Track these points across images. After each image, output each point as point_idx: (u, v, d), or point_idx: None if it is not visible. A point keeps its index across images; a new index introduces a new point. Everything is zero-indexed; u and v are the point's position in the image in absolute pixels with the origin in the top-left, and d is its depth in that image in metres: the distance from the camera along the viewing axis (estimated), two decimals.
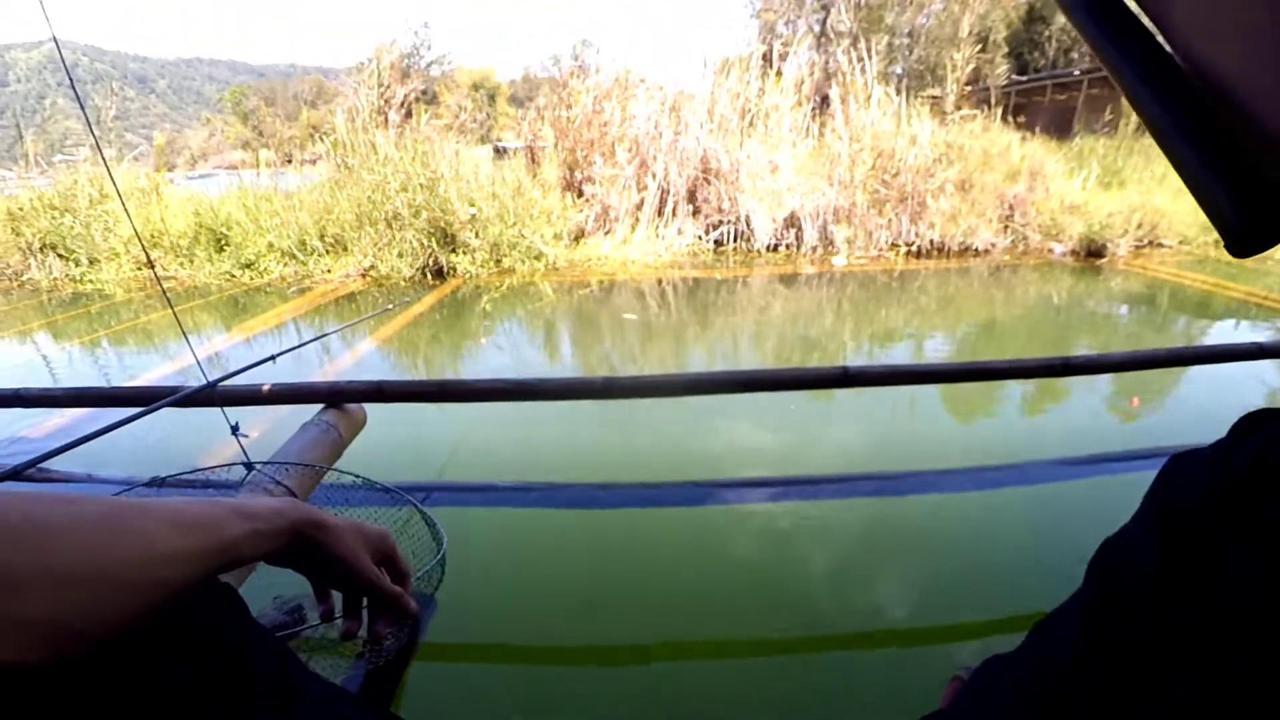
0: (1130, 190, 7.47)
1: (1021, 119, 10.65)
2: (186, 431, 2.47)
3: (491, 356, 3.98)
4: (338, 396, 1.79)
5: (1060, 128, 12.48)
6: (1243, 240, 0.28)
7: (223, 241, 6.81)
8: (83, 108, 1.34)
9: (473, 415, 2.65)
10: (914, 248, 7.00)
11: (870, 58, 7.87)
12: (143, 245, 3.67)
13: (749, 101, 7.97)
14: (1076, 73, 16.47)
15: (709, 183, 7.32)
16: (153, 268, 6.75)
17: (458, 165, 7.04)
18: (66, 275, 6.76)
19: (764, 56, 8.40)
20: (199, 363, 1.67)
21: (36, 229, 6.87)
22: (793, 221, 7.17)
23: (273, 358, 1.69)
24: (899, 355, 3.94)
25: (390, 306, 4.92)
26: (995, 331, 4.36)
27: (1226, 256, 6.54)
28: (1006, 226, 7.09)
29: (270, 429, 2.53)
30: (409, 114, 8.70)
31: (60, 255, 6.85)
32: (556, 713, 1.20)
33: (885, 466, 2.22)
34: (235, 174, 8.95)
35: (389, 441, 2.32)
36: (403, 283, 6.08)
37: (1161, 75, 0.29)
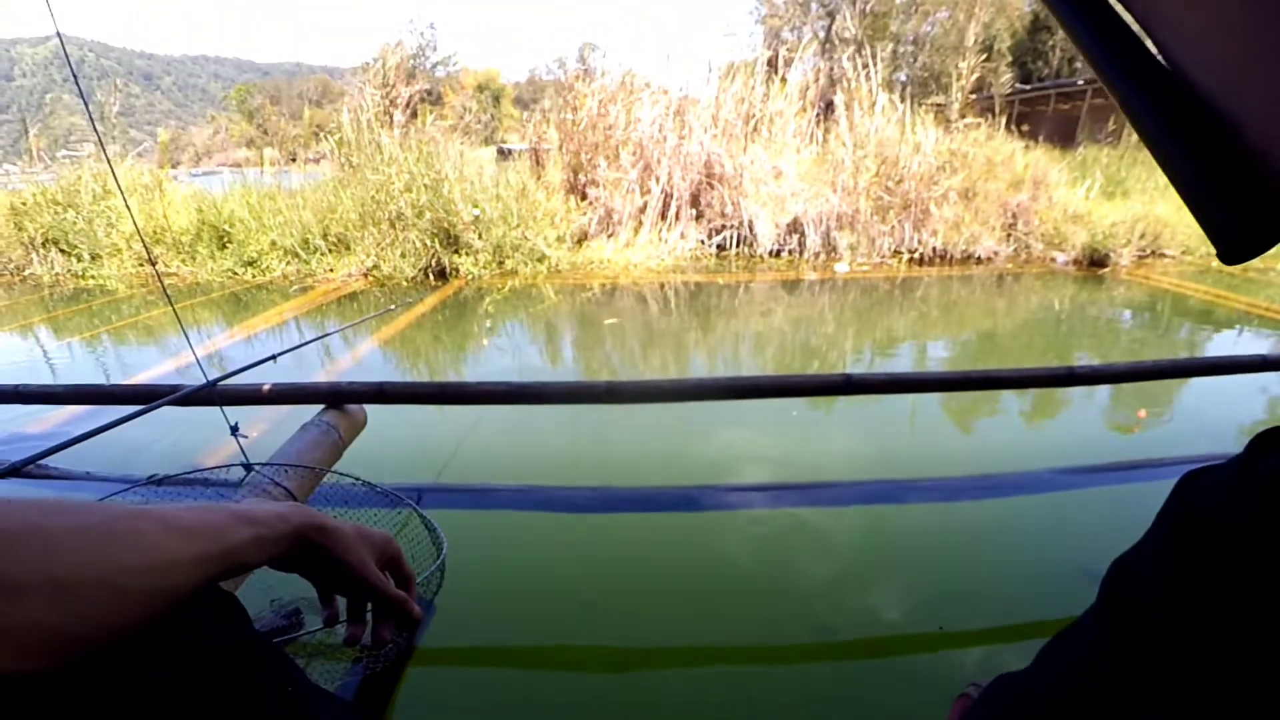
0: (1133, 200, 7.47)
1: (1025, 128, 10.66)
2: (186, 429, 2.47)
3: (493, 358, 3.97)
4: (338, 397, 1.79)
5: (1064, 137, 12.50)
6: (1234, 247, 0.28)
7: (225, 239, 6.82)
8: (86, 104, 1.34)
9: (474, 417, 2.64)
10: (917, 255, 7.00)
11: (875, 65, 7.88)
12: (144, 242, 3.66)
13: (753, 107, 7.98)
14: (1080, 82, 16.50)
15: (712, 187, 7.32)
16: (154, 264, 6.75)
17: (462, 166, 7.05)
18: (68, 270, 6.77)
19: (769, 62, 8.41)
20: (199, 361, 1.67)
21: (39, 224, 6.88)
22: (796, 227, 7.17)
23: (273, 357, 1.69)
24: (901, 362, 3.94)
25: (393, 307, 4.92)
26: (998, 340, 4.36)
27: (1228, 267, 6.54)
28: (1009, 235, 7.09)
29: (270, 428, 2.53)
30: (414, 114, 8.73)
31: (62, 250, 6.86)
32: (553, 717, 1.20)
33: (886, 473, 2.22)
34: (239, 172, 8.97)
35: (389, 442, 2.32)
36: (405, 283, 6.08)
37: (1154, 85, 0.29)
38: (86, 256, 6.79)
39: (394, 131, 7.61)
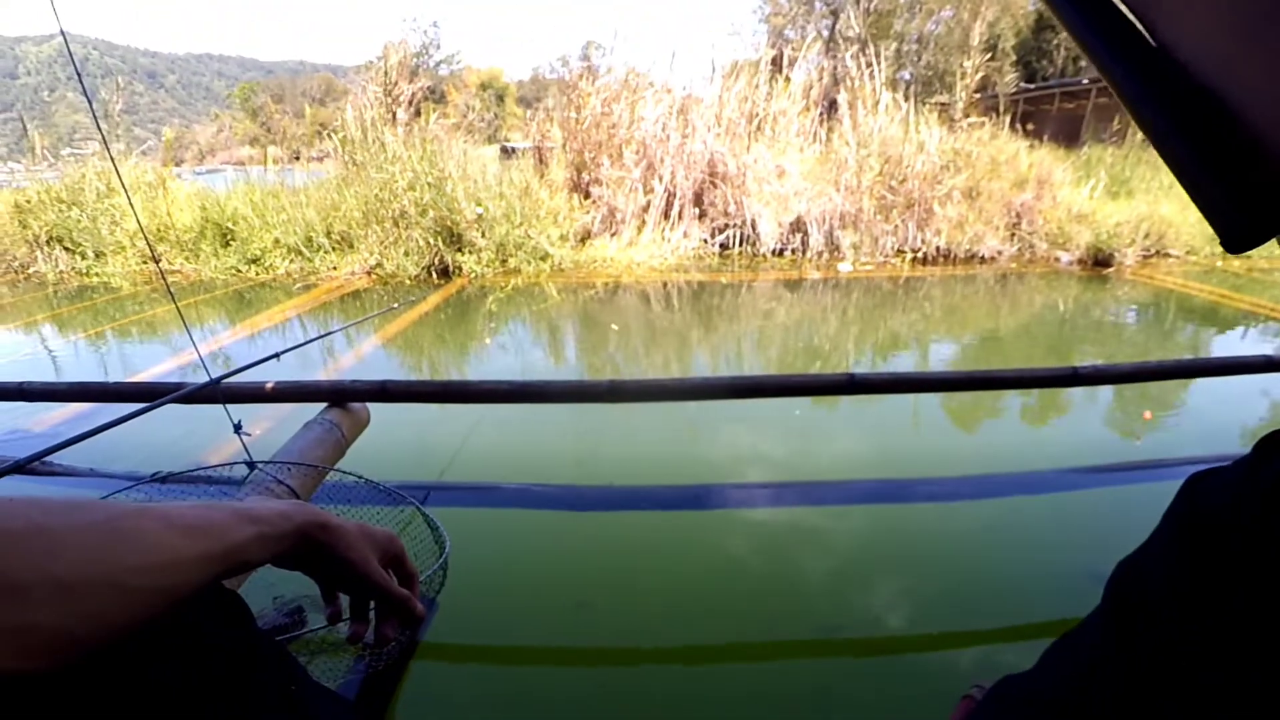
0: (1138, 200, 7.44)
1: (1030, 127, 10.62)
2: (190, 427, 2.47)
3: (496, 357, 3.97)
4: (341, 395, 1.79)
5: (1068, 136, 12.46)
6: (1237, 235, 0.28)
7: (229, 237, 6.83)
8: (90, 102, 1.34)
9: (476, 415, 2.65)
10: (920, 254, 6.98)
11: (879, 63, 7.87)
12: (147, 240, 3.68)
13: (757, 106, 7.96)
14: (1085, 81, 16.44)
15: (715, 186, 7.32)
16: (157, 263, 6.77)
17: (465, 165, 7.05)
18: (72, 268, 6.79)
19: (773, 61, 8.39)
20: (202, 360, 1.67)
21: (44, 222, 6.90)
22: (799, 226, 7.16)
23: (277, 355, 1.69)
24: (904, 362, 3.93)
25: (395, 305, 4.92)
26: (1001, 340, 4.35)
27: (1233, 267, 6.52)
28: (1013, 234, 7.06)
29: (274, 426, 2.53)
30: (417, 113, 8.73)
31: (67, 248, 6.88)
32: (555, 715, 1.20)
33: (889, 472, 2.21)
34: (243, 170, 8.98)
35: (392, 441, 2.32)
36: (408, 281, 6.09)
37: (1150, 71, 0.29)
38: (91, 254, 6.80)
39: (397, 130, 7.61)
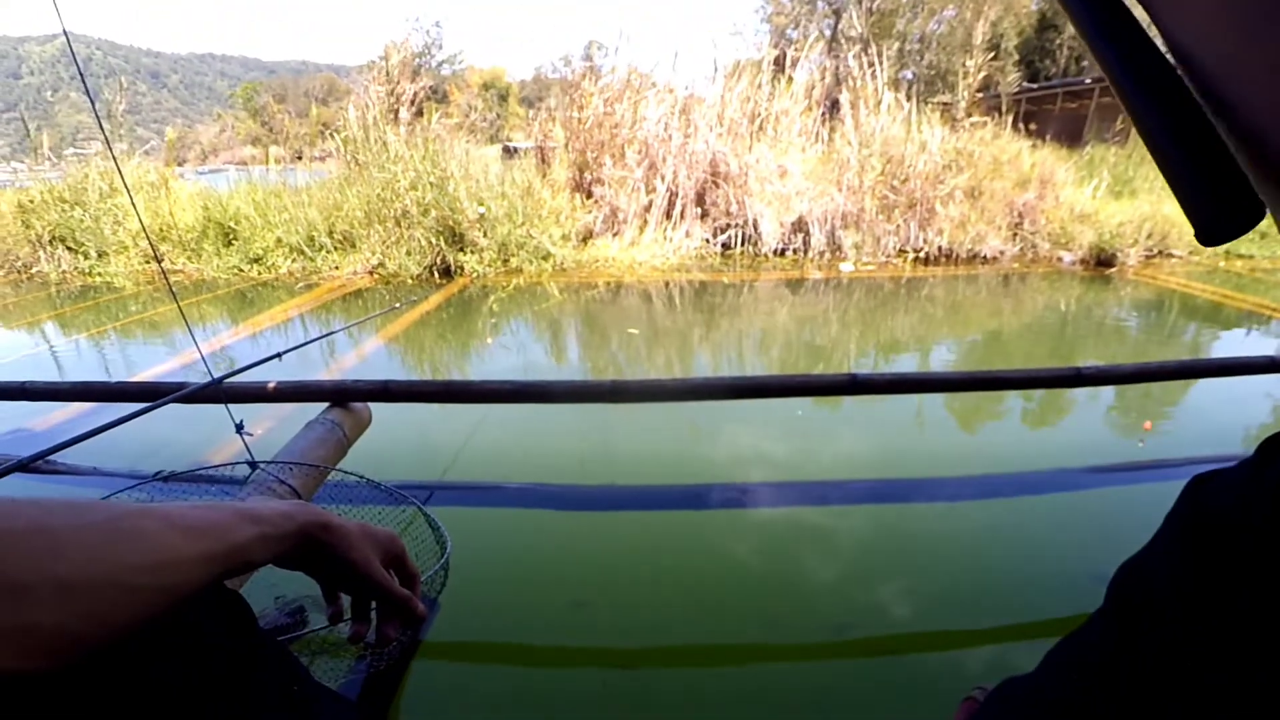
0: (1140, 199, 7.43)
1: (1032, 126, 10.61)
2: (192, 426, 2.47)
3: (498, 356, 3.97)
4: (343, 395, 1.79)
5: (1071, 136, 12.44)
6: (1211, 229, 0.29)
7: (231, 236, 6.84)
8: (93, 103, 1.34)
9: (478, 415, 2.65)
10: (922, 254, 6.97)
11: (881, 63, 7.86)
12: (150, 240, 3.68)
13: (759, 105, 7.96)
14: (1088, 81, 16.41)
15: (717, 186, 7.31)
16: (160, 263, 6.78)
17: (467, 164, 7.05)
18: (75, 268, 6.80)
19: (775, 61, 8.39)
20: (204, 359, 1.67)
21: (46, 222, 6.91)
22: (800, 226, 7.15)
23: (279, 355, 1.69)
24: (906, 362, 3.93)
25: (397, 305, 4.93)
26: (1004, 340, 4.34)
27: (1236, 267, 6.51)
28: (1016, 234, 7.05)
29: (275, 425, 2.54)
30: (420, 112, 8.74)
31: (69, 248, 6.89)
32: (558, 715, 1.20)
33: (892, 473, 2.21)
34: (245, 170, 8.99)
35: (394, 440, 2.32)
36: (410, 281, 6.09)
37: (1145, 65, 0.29)
38: (93, 254, 6.81)
39: (400, 129, 7.62)
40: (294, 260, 6.60)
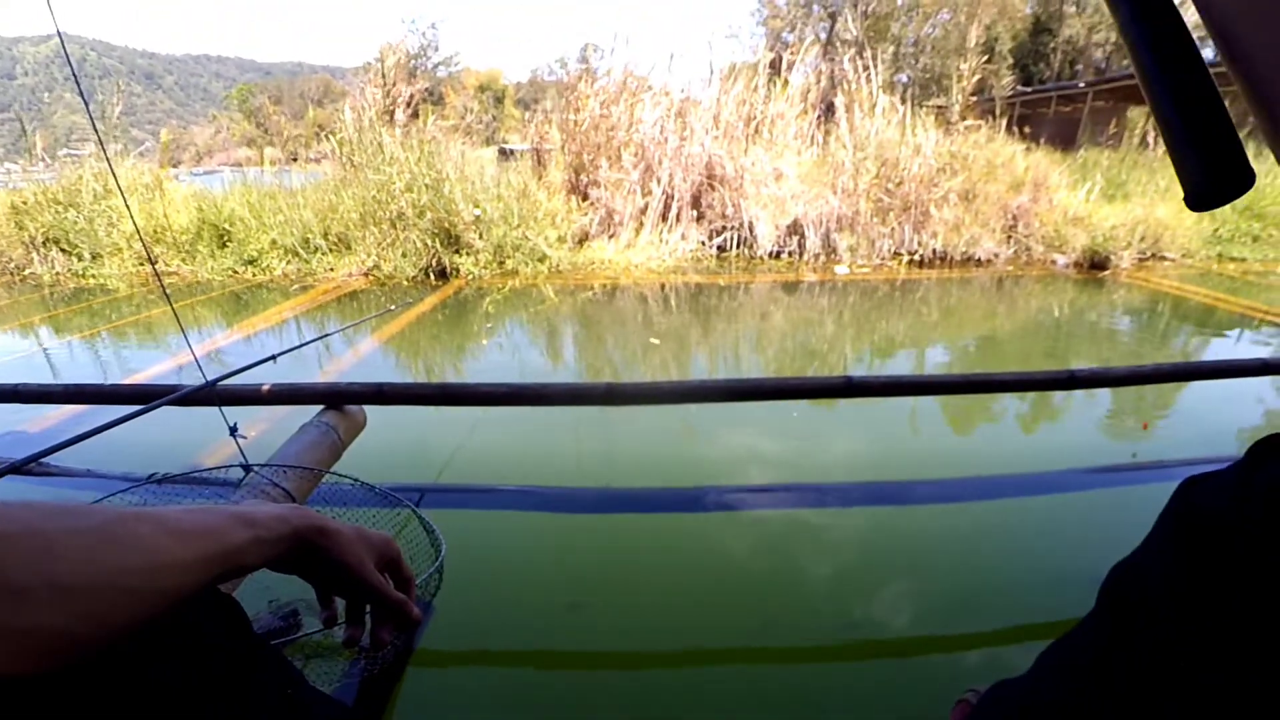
0: (1134, 203, 7.47)
1: (1026, 130, 10.67)
2: (186, 428, 2.46)
3: (493, 358, 3.97)
4: (338, 398, 1.79)
5: (1064, 139, 12.51)
6: (1202, 193, 0.29)
7: (226, 238, 6.82)
8: (87, 104, 1.34)
9: (473, 417, 2.64)
10: (917, 257, 7.00)
11: (876, 67, 7.89)
12: (144, 242, 3.66)
13: (754, 108, 7.98)
14: (1081, 85, 16.52)
15: (713, 189, 7.33)
16: (154, 264, 6.75)
17: (463, 166, 7.05)
18: (69, 270, 6.77)
19: (771, 64, 8.41)
20: (197, 361, 1.66)
21: (40, 223, 6.88)
22: (796, 229, 7.17)
23: (273, 357, 1.69)
24: (901, 364, 3.94)
25: (393, 307, 4.92)
26: (998, 342, 4.36)
27: (1229, 270, 6.55)
28: (1010, 237, 7.09)
29: (270, 428, 2.53)
30: (415, 114, 8.73)
31: (63, 250, 6.86)
32: (554, 718, 1.19)
33: (887, 474, 2.22)
34: (240, 171, 8.97)
35: (388, 443, 2.32)
36: (405, 282, 6.08)
37: (1157, 23, 0.30)
38: (87, 255, 6.78)
39: (395, 131, 7.61)
40: (289, 262, 6.59)
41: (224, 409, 1.46)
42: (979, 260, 6.92)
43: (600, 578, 1.62)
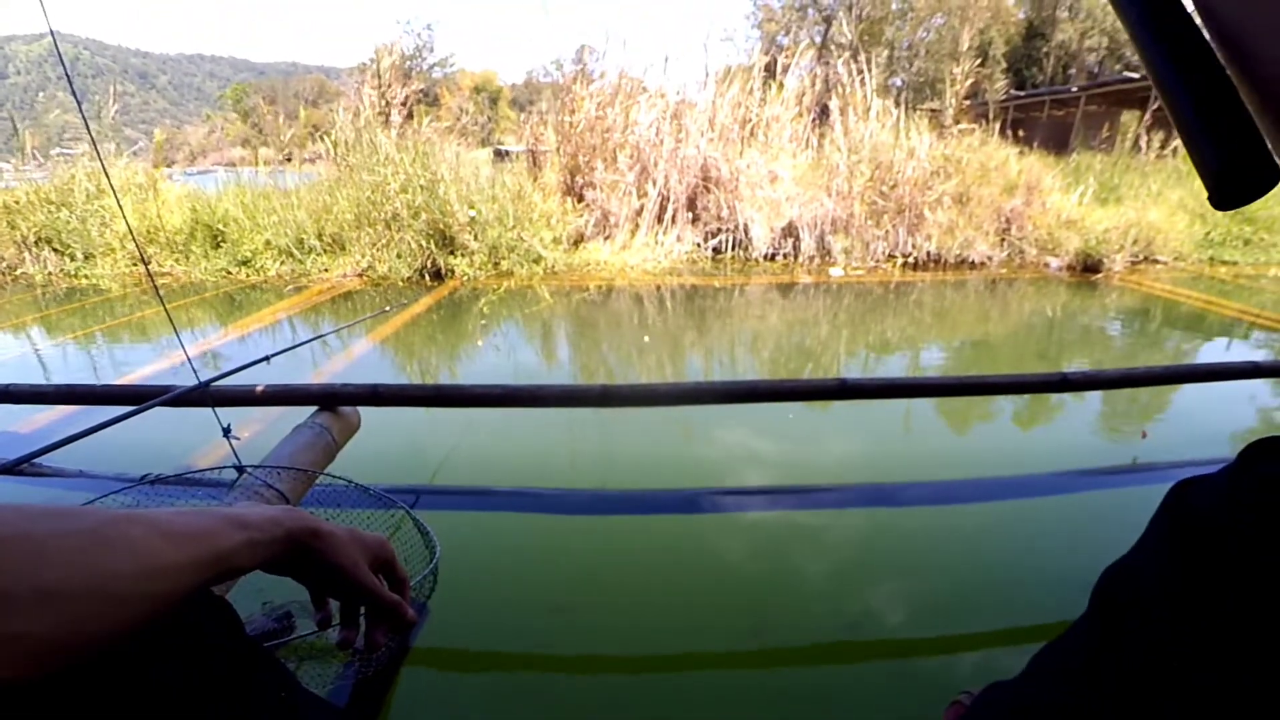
0: (1126, 206, 7.52)
1: (1020, 133, 10.72)
2: (179, 429, 2.45)
3: (488, 359, 3.97)
4: (332, 399, 1.78)
5: (1058, 143, 12.57)
6: (1226, 194, 0.29)
7: (219, 238, 6.79)
8: (79, 104, 1.33)
9: (467, 419, 2.64)
10: (911, 259, 7.02)
11: (870, 70, 7.92)
12: (136, 242, 3.63)
13: (750, 111, 8.00)
14: (1074, 89, 16.62)
15: (709, 191, 7.34)
16: (146, 265, 6.72)
17: (458, 167, 7.04)
18: (61, 270, 6.72)
19: (766, 67, 8.44)
20: (190, 362, 1.66)
21: (32, 223, 6.82)
22: (791, 231, 7.19)
23: (267, 358, 1.68)
24: (895, 366, 3.95)
25: (387, 308, 4.90)
26: (992, 344, 4.38)
27: (1220, 274, 6.59)
28: (1003, 240, 7.12)
29: (264, 429, 2.52)
30: (410, 115, 8.72)
31: (55, 250, 6.81)
32: None
33: (882, 476, 2.22)
34: (234, 171, 8.93)
35: (383, 444, 2.31)
36: (400, 283, 6.07)
37: (1167, 23, 0.30)
38: (80, 255, 6.74)
39: (390, 132, 7.60)
40: (283, 263, 6.56)
41: (217, 410, 1.46)
42: (973, 263, 6.95)
43: (595, 580, 1.62)
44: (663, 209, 7.32)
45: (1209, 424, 2.77)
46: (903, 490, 2.06)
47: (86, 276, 6.55)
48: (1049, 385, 1.94)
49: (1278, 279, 6.39)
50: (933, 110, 9.37)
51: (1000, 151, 7.78)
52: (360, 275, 6.30)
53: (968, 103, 9.56)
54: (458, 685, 1.27)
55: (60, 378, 3.59)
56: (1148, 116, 10.12)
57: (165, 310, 1.70)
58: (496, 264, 6.42)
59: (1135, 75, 15.03)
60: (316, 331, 4.13)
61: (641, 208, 7.26)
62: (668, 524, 1.91)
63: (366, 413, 1.90)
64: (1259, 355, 4.00)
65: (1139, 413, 2.91)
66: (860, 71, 7.87)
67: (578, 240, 7.10)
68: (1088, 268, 6.66)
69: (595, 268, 6.72)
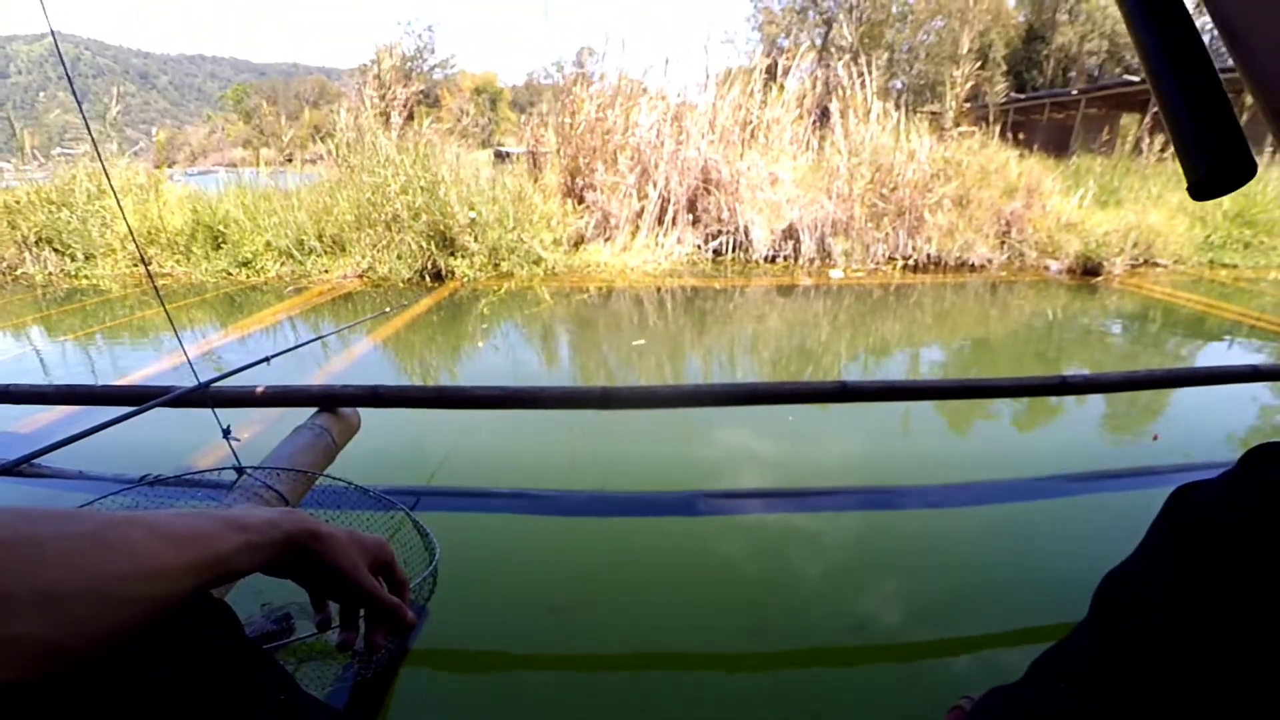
0: (1126, 209, 7.52)
1: (1020, 136, 10.73)
2: (179, 430, 2.45)
3: (488, 360, 3.96)
4: (332, 400, 1.78)
5: (1058, 146, 12.58)
6: (1205, 183, 0.30)
7: (220, 239, 6.79)
8: (80, 104, 1.33)
9: (467, 420, 2.63)
10: (911, 262, 7.02)
11: (870, 73, 7.92)
12: (136, 243, 3.63)
13: (750, 113, 8.01)
14: (1074, 92, 16.64)
15: (709, 193, 7.34)
16: (146, 266, 6.71)
17: (458, 169, 7.05)
18: (62, 270, 6.72)
19: (767, 70, 8.45)
20: (190, 363, 1.66)
21: (33, 223, 6.83)
22: (791, 233, 7.19)
23: (267, 359, 1.68)
24: (895, 368, 3.95)
25: (387, 309, 4.91)
26: (991, 347, 4.38)
27: (1220, 277, 6.59)
28: (1003, 243, 7.12)
29: (263, 430, 2.52)
30: (410, 116, 8.72)
31: (56, 250, 6.81)
32: None
33: (881, 478, 2.22)
34: (235, 172, 8.93)
35: (383, 445, 2.31)
36: (400, 284, 6.07)
37: (1164, 17, 0.30)
38: (80, 256, 6.74)
39: (391, 133, 7.60)
40: (283, 264, 6.56)
41: (217, 411, 1.45)
42: (973, 265, 6.95)
43: (595, 582, 1.62)
44: (663, 211, 7.32)
45: (1209, 427, 2.77)
46: (902, 493, 2.06)
47: (87, 277, 6.56)
48: (1049, 388, 1.94)
49: (1277, 282, 6.39)
50: (933, 113, 9.37)
51: (1000, 154, 7.78)
52: (360, 276, 6.31)
53: (968, 105, 9.56)
54: (457, 687, 1.27)
55: (60, 378, 3.59)
56: (1148, 119, 10.13)
57: (165, 311, 1.70)
58: (497, 265, 6.42)
59: (1135, 78, 15.06)
60: (317, 332, 4.12)
61: (642, 209, 7.26)
62: (668, 526, 1.91)
63: (366, 414, 1.90)
64: (1259, 358, 4.00)
65: (1139, 416, 2.91)
66: (860, 74, 7.87)
67: (578, 242, 7.11)
68: (1088, 271, 6.66)
69: (595, 269, 6.72)
